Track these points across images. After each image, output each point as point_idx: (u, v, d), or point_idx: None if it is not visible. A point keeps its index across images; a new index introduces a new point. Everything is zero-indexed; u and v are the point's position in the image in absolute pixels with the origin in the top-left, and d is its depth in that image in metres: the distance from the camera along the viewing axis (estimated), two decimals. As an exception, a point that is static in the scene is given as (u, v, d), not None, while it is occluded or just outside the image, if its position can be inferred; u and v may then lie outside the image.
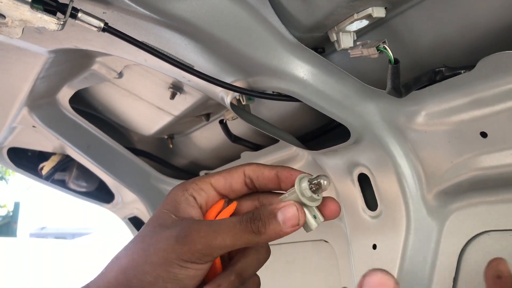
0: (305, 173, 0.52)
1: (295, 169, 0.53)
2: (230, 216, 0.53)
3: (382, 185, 0.81)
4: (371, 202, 0.86)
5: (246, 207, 0.56)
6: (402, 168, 0.77)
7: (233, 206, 0.55)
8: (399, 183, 0.78)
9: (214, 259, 0.49)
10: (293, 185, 0.50)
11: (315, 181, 0.49)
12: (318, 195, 0.49)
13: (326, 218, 0.51)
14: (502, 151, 0.63)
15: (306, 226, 0.50)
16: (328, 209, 0.51)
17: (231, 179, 0.54)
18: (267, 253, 0.54)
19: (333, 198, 0.52)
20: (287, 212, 0.47)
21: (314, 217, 0.50)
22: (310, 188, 0.49)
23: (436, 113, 0.69)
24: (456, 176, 0.70)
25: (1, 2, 0.54)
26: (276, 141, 1.06)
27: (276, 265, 1.17)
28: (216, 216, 0.54)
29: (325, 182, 0.49)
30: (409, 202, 0.77)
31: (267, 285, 1.21)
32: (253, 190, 0.56)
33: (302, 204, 0.49)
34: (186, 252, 0.47)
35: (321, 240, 1.05)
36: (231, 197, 0.55)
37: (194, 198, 0.53)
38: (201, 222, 0.49)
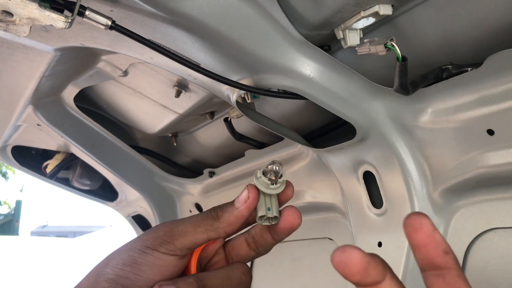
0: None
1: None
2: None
3: (388, 182, 0.81)
4: (376, 200, 0.86)
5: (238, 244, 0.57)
6: (407, 165, 0.77)
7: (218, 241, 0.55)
8: (405, 181, 0.78)
9: (177, 251, 0.50)
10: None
11: (269, 167, 0.51)
12: (275, 184, 0.51)
13: (281, 220, 0.52)
14: (509, 148, 0.63)
15: (256, 213, 0.52)
16: (286, 214, 0.52)
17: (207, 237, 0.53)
18: (245, 276, 0.53)
19: (292, 207, 0.53)
20: (240, 194, 0.51)
21: (268, 209, 0.51)
22: (265, 175, 0.51)
23: (443, 110, 0.69)
24: (462, 173, 0.70)
25: (9, 0, 0.54)
26: (281, 139, 1.06)
27: (282, 263, 1.17)
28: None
29: (276, 167, 0.50)
30: (414, 200, 0.77)
31: (273, 282, 1.21)
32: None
33: (262, 193, 0.51)
34: (149, 239, 0.50)
35: (326, 238, 1.05)
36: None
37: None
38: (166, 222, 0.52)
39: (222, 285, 0.52)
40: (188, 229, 0.50)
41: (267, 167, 0.51)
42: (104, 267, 0.50)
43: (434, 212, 0.76)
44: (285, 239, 1.14)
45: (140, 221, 1.65)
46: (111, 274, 0.49)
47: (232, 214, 0.51)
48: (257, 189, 0.51)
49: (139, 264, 0.49)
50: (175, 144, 1.39)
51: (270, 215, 0.51)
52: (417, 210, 0.77)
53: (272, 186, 0.51)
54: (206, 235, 0.51)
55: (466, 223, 0.73)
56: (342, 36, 0.66)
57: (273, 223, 0.52)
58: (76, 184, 1.60)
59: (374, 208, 0.85)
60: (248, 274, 0.54)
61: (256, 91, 0.73)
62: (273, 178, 0.51)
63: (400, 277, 0.78)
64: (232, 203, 0.51)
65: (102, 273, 0.49)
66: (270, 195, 0.51)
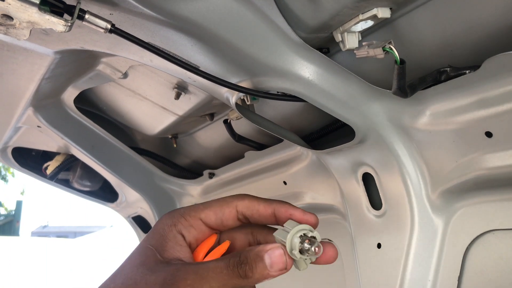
0: (302, 214, 0.49)
1: (294, 207, 0.50)
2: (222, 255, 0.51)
3: (387, 184, 0.81)
4: (375, 202, 0.86)
5: (239, 241, 0.53)
6: (406, 167, 0.77)
7: (225, 246, 0.51)
8: (404, 183, 0.78)
9: None
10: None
11: (307, 245, 0.46)
12: (307, 254, 0.46)
13: (321, 262, 0.49)
14: (507, 150, 0.64)
15: (296, 265, 0.47)
16: (325, 256, 0.48)
17: (222, 215, 0.51)
18: None
19: (331, 245, 0.49)
20: (274, 256, 0.45)
21: (305, 259, 0.47)
22: (302, 245, 0.46)
23: (441, 113, 0.69)
24: (460, 175, 0.71)
25: (9, 4, 0.55)
26: (280, 140, 1.06)
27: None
28: (206, 254, 0.51)
29: (317, 249, 0.46)
30: (413, 201, 0.78)
31: (273, 283, 1.21)
32: (246, 223, 0.53)
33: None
34: None
35: (325, 239, 1.05)
36: (223, 230, 0.53)
37: (183, 235, 0.50)
38: (187, 267, 0.46)
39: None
40: (213, 285, 0.45)
41: (308, 238, 0.46)
42: None
43: (432, 213, 0.77)
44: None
45: (140, 222, 1.65)
46: None
47: (264, 276, 0.45)
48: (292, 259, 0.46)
49: None
50: (175, 146, 1.39)
51: (308, 263, 0.47)
52: (416, 211, 0.78)
53: (304, 257, 0.46)
54: None
55: (464, 224, 0.74)
56: (340, 39, 0.66)
57: (307, 266, 0.48)
58: (76, 185, 1.60)
59: (373, 210, 0.86)
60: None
61: (255, 93, 0.74)
62: (308, 255, 0.46)
63: (398, 278, 0.78)
64: (261, 259, 0.45)
65: None
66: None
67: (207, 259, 0.51)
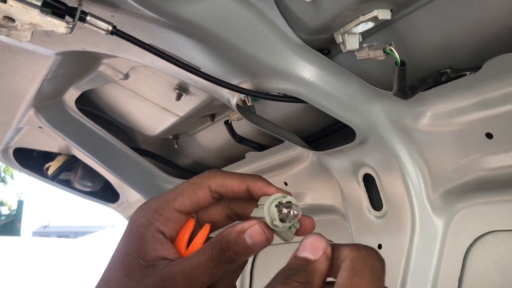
0: (277, 191, 0.47)
1: (267, 183, 0.48)
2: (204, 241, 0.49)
3: (387, 185, 0.81)
4: (376, 203, 0.86)
5: (217, 217, 0.52)
6: (407, 168, 0.77)
7: (205, 230, 0.50)
8: (404, 184, 0.78)
9: None
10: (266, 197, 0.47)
11: (286, 210, 0.45)
12: (289, 221, 0.45)
13: (303, 233, 0.48)
14: (507, 152, 0.64)
15: (282, 238, 0.47)
16: (303, 225, 0.47)
17: (196, 198, 0.49)
18: (244, 264, 0.51)
19: (305, 215, 0.47)
20: (254, 234, 0.44)
21: (290, 227, 0.46)
22: (280, 214, 0.45)
23: (442, 114, 0.69)
24: (461, 176, 0.71)
25: (11, 6, 0.55)
26: (281, 141, 1.06)
27: (282, 265, 1.17)
28: (188, 242, 0.49)
29: (295, 211, 0.45)
30: (414, 202, 0.78)
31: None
32: (221, 200, 0.51)
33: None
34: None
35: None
36: (200, 210, 0.51)
37: (162, 233, 0.48)
38: (173, 271, 0.45)
39: (231, 283, 0.50)
40: (205, 281, 0.45)
41: (284, 205, 0.45)
42: None
43: (433, 214, 0.77)
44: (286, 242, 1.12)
45: (141, 222, 1.65)
46: None
47: (249, 253, 0.45)
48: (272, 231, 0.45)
49: None
50: (176, 146, 1.39)
51: (294, 231, 0.47)
52: (416, 212, 0.78)
53: (285, 224, 0.45)
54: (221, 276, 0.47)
55: (465, 225, 0.74)
56: (341, 40, 0.66)
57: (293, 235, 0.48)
58: (77, 186, 1.61)
59: (374, 211, 0.86)
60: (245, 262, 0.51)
61: (256, 94, 0.74)
62: (290, 221, 0.45)
63: (399, 279, 0.79)
64: (243, 241, 0.44)
65: None
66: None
67: (190, 249, 0.49)
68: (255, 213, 0.47)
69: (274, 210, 0.45)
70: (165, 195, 0.50)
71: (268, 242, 0.45)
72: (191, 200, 0.49)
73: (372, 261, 0.36)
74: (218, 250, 0.45)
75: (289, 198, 0.46)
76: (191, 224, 0.50)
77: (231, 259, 0.45)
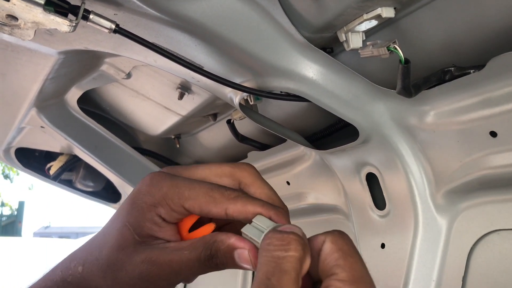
0: (269, 214, 0.47)
1: (247, 200, 0.47)
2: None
3: (391, 184, 0.81)
4: (379, 202, 0.86)
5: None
6: (410, 167, 0.77)
7: (209, 228, 0.50)
8: (408, 183, 0.78)
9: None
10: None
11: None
12: None
13: None
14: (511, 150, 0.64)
15: None
16: None
17: (207, 211, 0.47)
18: None
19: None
20: (242, 256, 0.45)
21: None
22: None
23: (446, 112, 0.69)
24: (465, 175, 0.71)
25: (14, 5, 0.55)
26: (284, 140, 1.06)
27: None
28: (190, 228, 0.50)
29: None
30: (417, 202, 0.78)
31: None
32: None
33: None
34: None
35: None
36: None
37: (163, 218, 0.48)
38: (162, 260, 0.46)
39: None
40: (188, 278, 0.48)
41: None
42: (129, 266, 0.47)
43: (437, 213, 0.77)
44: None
45: (143, 222, 1.65)
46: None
47: (233, 267, 0.46)
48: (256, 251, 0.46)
49: None
50: (178, 146, 1.39)
51: None
52: (420, 211, 0.78)
53: None
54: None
55: (469, 224, 0.73)
56: (344, 39, 0.66)
57: None
58: (79, 186, 1.61)
59: (377, 210, 0.86)
60: None
61: (259, 93, 0.74)
62: None
63: (402, 278, 0.78)
64: (231, 256, 0.45)
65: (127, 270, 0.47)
66: None
67: (191, 235, 0.50)
68: (248, 230, 0.46)
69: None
70: (180, 185, 0.48)
71: (251, 267, 0.45)
72: (201, 211, 0.48)
73: (349, 239, 0.41)
74: (207, 254, 0.46)
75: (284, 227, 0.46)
76: (196, 216, 0.50)
77: (216, 266, 0.46)
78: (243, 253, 0.45)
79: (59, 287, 0.51)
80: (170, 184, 0.48)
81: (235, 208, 0.47)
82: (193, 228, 0.50)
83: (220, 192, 0.47)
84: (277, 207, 0.48)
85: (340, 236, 0.42)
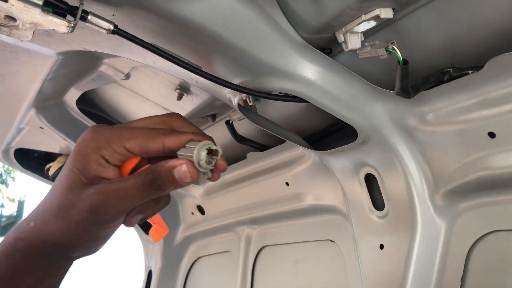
0: (199, 139, 0.54)
1: (180, 133, 0.54)
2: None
3: (389, 185, 0.81)
4: (378, 202, 0.86)
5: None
6: (409, 168, 0.77)
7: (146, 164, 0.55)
8: (406, 183, 0.78)
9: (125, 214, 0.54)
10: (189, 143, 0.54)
11: (213, 154, 0.53)
12: (211, 164, 0.54)
13: (214, 175, 0.56)
14: (510, 151, 0.63)
15: (197, 182, 0.54)
16: (218, 168, 0.55)
17: (147, 147, 0.53)
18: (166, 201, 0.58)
19: (221, 159, 0.55)
20: (181, 171, 0.51)
21: (203, 173, 0.54)
22: (207, 158, 0.53)
23: (444, 113, 0.69)
24: (464, 176, 0.71)
25: (12, 5, 0.55)
26: (283, 141, 1.06)
27: (284, 265, 1.17)
28: (131, 171, 0.55)
29: (219, 155, 0.54)
30: (416, 202, 0.78)
31: (275, 284, 1.21)
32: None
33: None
34: (100, 220, 0.52)
35: (328, 240, 1.05)
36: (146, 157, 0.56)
37: (106, 160, 0.53)
38: (108, 189, 0.51)
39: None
40: (134, 204, 0.52)
41: (210, 150, 0.53)
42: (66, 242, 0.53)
43: (435, 214, 0.77)
44: (287, 242, 1.14)
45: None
46: (80, 246, 0.54)
47: (175, 186, 0.52)
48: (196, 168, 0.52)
49: (104, 236, 0.55)
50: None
51: (204, 181, 0.55)
52: (419, 212, 0.77)
53: (209, 166, 0.53)
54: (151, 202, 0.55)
55: (468, 225, 0.73)
56: (343, 40, 0.66)
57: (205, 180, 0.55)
58: (78, 186, 1.60)
59: (376, 211, 0.86)
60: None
61: (258, 94, 0.74)
62: (212, 161, 0.54)
63: (401, 279, 0.78)
64: (171, 175, 0.51)
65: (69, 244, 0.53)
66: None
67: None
68: (182, 151, 0.53)
69: (204, 153, 0.52)
70: (120, 129, 0.54)
71: (191, 180, 0.52)
72: (141, 148, 0.53)
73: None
74: (149, 178, 0.51)
75: (217, 147, 0.54)
76: (136, 159, 0.55)
77: (159, 187, 0.52)
78: (181, 167, 0.51)
79: (12, 246, 0.54)
80: (111, 129, 0.54)
81: (171, 140, 0.53)
82: (133, 172, 0.55)
83: (156, 131, 0.54)
84: (206, 135, 0.56)
85: None
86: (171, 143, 0.54)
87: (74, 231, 0.52)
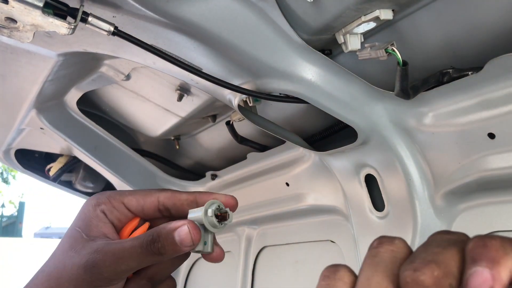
0: (219, 198, 0.53)
1: (216, 194, 0.54)
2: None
3: (389, 186, 0.81)
4: (378, 203, 0.86)
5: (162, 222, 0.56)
6: (409, 169, 0.77)
7: (144, 227, 0.55)
8: (407, 184, 0.78)
9: (124, 279, 0.51)
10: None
11: (223, 211, 0.51)
12: (220, 224, 0.50)
13: (212, 258, 0.53)
14: (510, 152, 0.64)
15: (199, 251, 0.51)
16: (217, 253, 0.53)
17: (143, 203, 0.54)
18: (183, 258, 0.55)
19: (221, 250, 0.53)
20: (182, 233, 0.49)
21: (205, 243, 0.51)
22: (216, 215, 0.50)
23: (444, 114, 0.69)
24: (463, 177, 0.71)
25: (13, 7, 0.55)
26: (283, 142, 1.06)
27: (284, 265, 1.17)
28: (130, 234, 0.54)
29: (230, 215, 0.51)
30: (416, 203, 0.78)
31: (276, 284, 1.21)
32: (167, 217, 0.56)
33: (203, 227, 0.50)
34: (95, 280, 0.49)
35: (328, 240, 1.05)
36: (145, 218, 0.56)
37: (105, 214, 0.53)
38: (106, 249, 0.50)
39: (167, 273, 0.55)
40: (132, 266, 0.50)
41: (220, 209, 0.51)
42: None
43: (435, 215, 0.77)
44: (287, 242, 1.13)
45: (142, 223, 1.65)
46: None
47: (176, 251, 0.49)
48: (199, 229, 0.50)
49: None
50: (177, 147, 1.39)
51: (205, 250, 0.51)
52: (418, 213, 0.78)
53: (218, 227, 0.50)
54: (149, 269, 0.53)
55: (467, 226, 0.74)
56: (343, 41, 0.66)
57: (203, 254, 0.53)
58: (79, 187, 1.61)
59: (376, 211, 0.86)
60: (186, 255, 0.55)
61: (258, 95, 0.74)
62: (223, 221, 0.51)
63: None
64: (172, 237, 0.49)
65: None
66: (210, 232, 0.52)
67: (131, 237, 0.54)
68: (191, 213, 0.51)
69: (211, 210, 0.50)
70: (121, 191, 0.56)
71: (192, 244, 0.49)
72: (138, 202, 0.54)
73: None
74: (148, 240, 0.49)
75: (227, 209, 0.51)
76: (135, 221, 0.55)
77: (158, 251, 0.49)
78: (182, 228, 0.49)
79: None
80: (115, 191, 0.56)
81: (165, 195, 0.54)
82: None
83: (153, 189, 0.55)
84: (232, 196, 0.54)
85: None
86: (165, 198, 0.54)
87: None
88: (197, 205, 0.54)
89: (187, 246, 0.49)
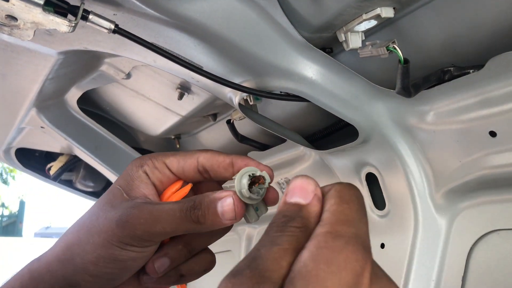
0: (258, 165, 0.50)
1: (251, 159, 0.51)
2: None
3: (390, 184, 0.81)
4: (379, 202, 0.86)
5: (206, 189, 0.54)
6: (410, 167, 0.77)
7: (187, 188, 0.53)
8: (407, 183, 0.78)
9: (156, 244, 0.49)
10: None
11: (256, 180, 0.48)
12: (258, 194, 0.47)
13: (267, 207, 0.50)
14: (511, 150, 0.63)
15: (245, 217, 0.49)
16: (268, 199, 0.50)
17: (184, 163, 0.53)
18: (224, 231, 0.53)
19: (272, 188, 0.50)
20: (225, 204, 0.46)
21: (256, 209, 0.49)
22: (251, 186, 0.47)
23: (445, 112, 0.69)
24: (464, 175, 0.71)
25: (14, 5, 0.55)
26: (284, 140, 1.06)
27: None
28: (170, 196, 0.53)
29: (266, 182, 0.47)
30: (417, 201, 0.78)
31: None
32: (207, 179, 0.54)
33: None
34: (126, 237, 0.47)
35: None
36: (184, 179, 0.54)
37: (147, 175, 0.52)
38: (143, 207, 0.48)
39: (205, 243, 0.53)
40: (167, 230, 0.47)
41: (255, 176, 0.47)
42: (82, 264, 0.48)
43: (436, 213, 0.77)
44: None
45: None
46: (94, 270, 0.48)
47: (216, 223, 0.47)
48: (243, 204, 0.47)
49: (122, 260, 0.48)
50: (178, 146, 1.39)
51: (260, 214, 0.49)
52: (419, 211, 0.77)
53: (254, 196, 0.47)
54: (187, 235, 0.51)
55: (469, 224, 0.73)
56: (344, 39, 0.66)
57: (258, 217, 0.50)
58: (79, 186, 1.61)
59: (377, 210, 0.86)
60: (228, 227, 0.52)
61: (259, 93, 0.74)
62: (260, 190, 0.48)
63: (402, 278, 0.78)
64: (214, 207, 0.46)
65: (82, 268, 0.48)
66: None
67: (168, 200, 0.53)
68: (227, 183, 0.49)
69: (245, 181, 0.46)
70: (164, 152, 0.54)
71: (234, 217, 0.46)
72: (179, 163, 0.53)
73: (355, 190, 0.36)
74: (189, 205, 0.47)
75: (263, 173, 0.47)
76: (178, 184, 0.54)
77: (198, 219, 0.47)
78: (226, 199, 0.46)
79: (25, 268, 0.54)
80: (160, 152, 0.55)
81: (205, 155, 0.52)
82: None
83: (195, 150, 0.54)
84: (258, 163, 0.51)
85: (347, 185, 0.37)
86: (204, 158, 0.52)
87: (94, 241, 0.48)
88: (232, 169, 0.51)
89: (228, 220, 0.46)
